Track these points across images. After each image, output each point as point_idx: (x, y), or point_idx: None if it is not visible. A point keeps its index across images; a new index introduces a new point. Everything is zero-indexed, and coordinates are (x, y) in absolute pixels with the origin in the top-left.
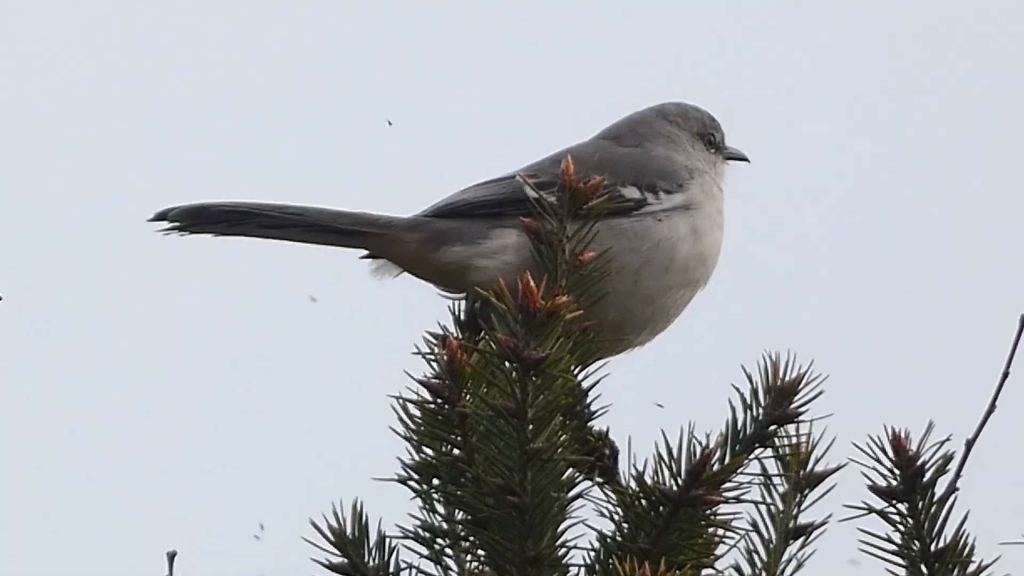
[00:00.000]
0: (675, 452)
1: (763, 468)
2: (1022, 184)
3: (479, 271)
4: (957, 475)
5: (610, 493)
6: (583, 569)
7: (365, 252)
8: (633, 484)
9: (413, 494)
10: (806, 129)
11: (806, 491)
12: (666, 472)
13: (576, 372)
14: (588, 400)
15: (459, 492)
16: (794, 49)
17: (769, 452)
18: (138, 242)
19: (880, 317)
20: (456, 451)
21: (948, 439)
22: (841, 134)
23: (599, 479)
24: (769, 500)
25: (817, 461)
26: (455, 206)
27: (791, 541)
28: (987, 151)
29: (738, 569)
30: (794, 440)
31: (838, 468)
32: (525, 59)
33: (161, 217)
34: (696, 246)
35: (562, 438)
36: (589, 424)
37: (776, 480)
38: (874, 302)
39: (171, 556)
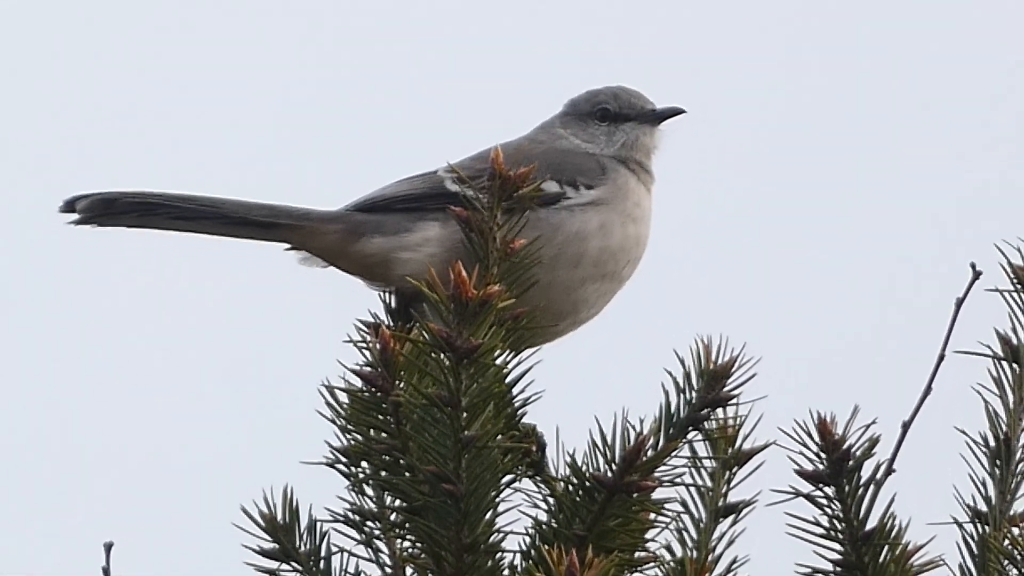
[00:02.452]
0: (609, 438)
1: (692, 449)
2: (953, 162)
3: (403, 263)
4: (893, 457)
5: (541, 484)
6: (518, 555)
7: (287, 245)
8: (567, 471)
9: (343, 478)
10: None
11: (735, 469)
12: (600, 459)
13: (508, 360)
14: (515, 392)
15: (393, 480)
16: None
17: (698, 434)
18: (49, 232)
19: (816, 299)
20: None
21: (873, 422)
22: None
23: (528, 472)
24: (700, 481)
25: (745, 439)
26: (375, 200)
27: (721, 519)
28: (908, 130)
29: (669, 549)
30: (723, 421)
31: (766, 446)
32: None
33: (69, 207)
34: (605, 240)
35: (497, 426)
36: (517, 417)
37: (706, 460)
38: (810, 283)
39: (107, 547)
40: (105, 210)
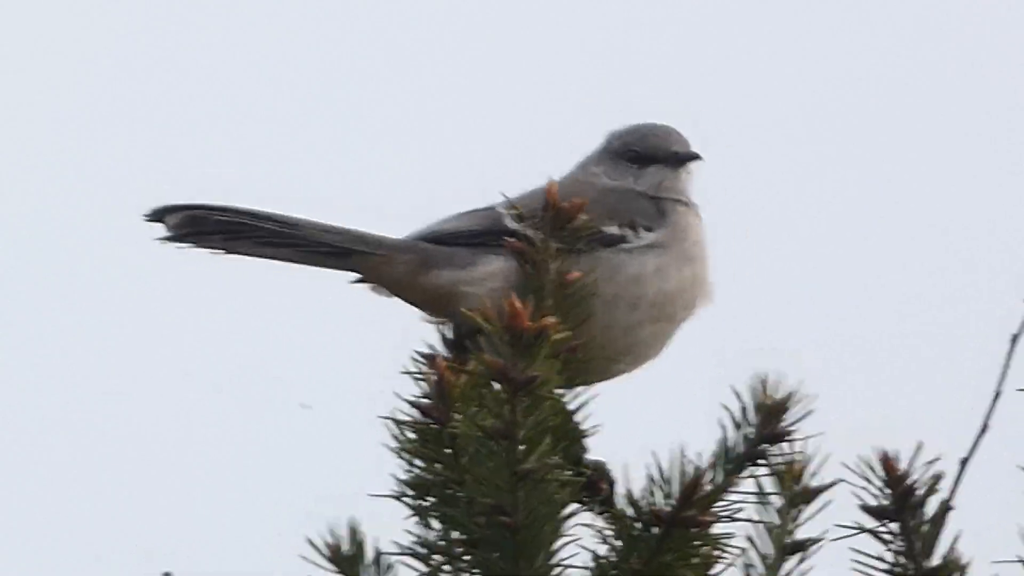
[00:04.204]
0: (666, 473)
1: (758, 485)
2: (1012, 203)
3: (467, 298)
4: (951, 493)
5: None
6: None
7: (355, 276)
8: (625, 506)
9: (408, 510)
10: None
11: (801, 506)
12: (659, 493)
13: (564, 393)
14: (579, 423)
15: (450, 512)
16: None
17: (764, 470)
18: (129, 241)
19: (872, 337)
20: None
21: (937, 459)
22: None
23: (599, 508)
24: (764, 517)
25: (812, 476)
26: (439, 233)
27: (788, 556)
28: (979, 169)
29: None
30: (788, 456)
31: (832, 484)
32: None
33: (158, 217)
34: (662, 284)
35: (554, 459)
36: (583, 454)
37: (771, 496)
38: (866, 320)
39: None
40: (195, 228)
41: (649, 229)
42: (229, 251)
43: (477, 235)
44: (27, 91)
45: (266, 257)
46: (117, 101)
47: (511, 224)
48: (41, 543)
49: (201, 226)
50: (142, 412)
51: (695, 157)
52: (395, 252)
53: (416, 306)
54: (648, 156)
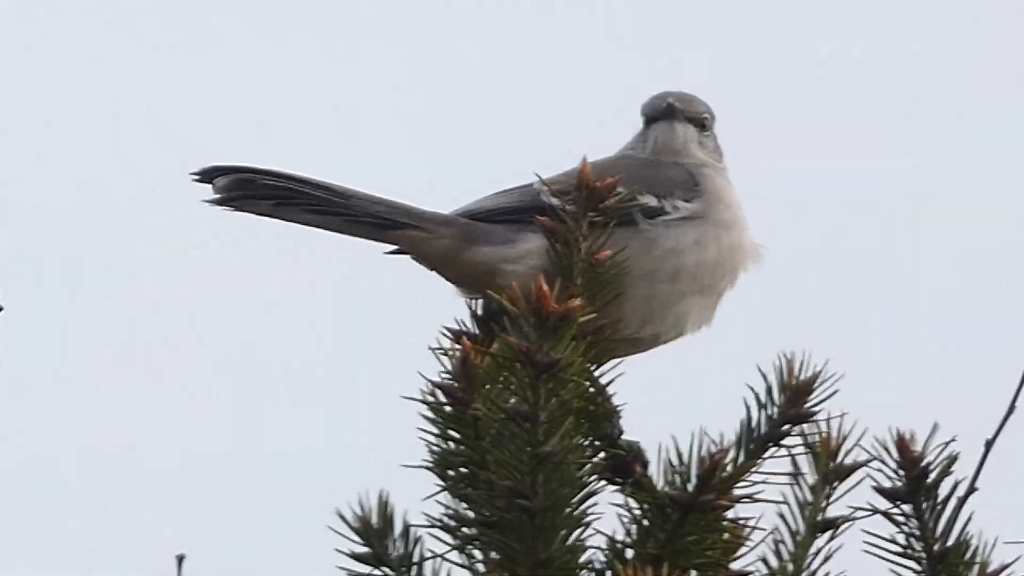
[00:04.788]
0: (686, 456)
1: (793, 461)
2: None
3: (507, 275)
4: (976, 475)
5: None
6: (594, 573)
7: (392, 248)
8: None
9: (437, 484)
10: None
11: (835, 483)
12: (677, 476)
13: (592, 372)
14: (611, 401)
15: (471, 493)
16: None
17: (785, 450)
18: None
19: (899, 316)
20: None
21: (953, 440)
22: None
23: (631, 490)
24: (797, 494)
25: (847, 454)
26: (478, 211)
27: (819, 534)
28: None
29: (765, 562)
30: (823, 432)
31: (868, 461)
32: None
33: (207, 177)
34: (701, 255)
35: (575, 441)
36: (618, 433)
37: (804, 473)
38: (893, 300)
39: (179, 559)
40: (244, 191)
41: (687, 200)
42: (275, 216)
43: (516, 212)
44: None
45: (311, 225)
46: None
47: (548, 200)
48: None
49: (250, 189)
50: (165, 383)
51: (670, 109)
52: (439, 227)
53: (455, 283)
54: (652, 116)
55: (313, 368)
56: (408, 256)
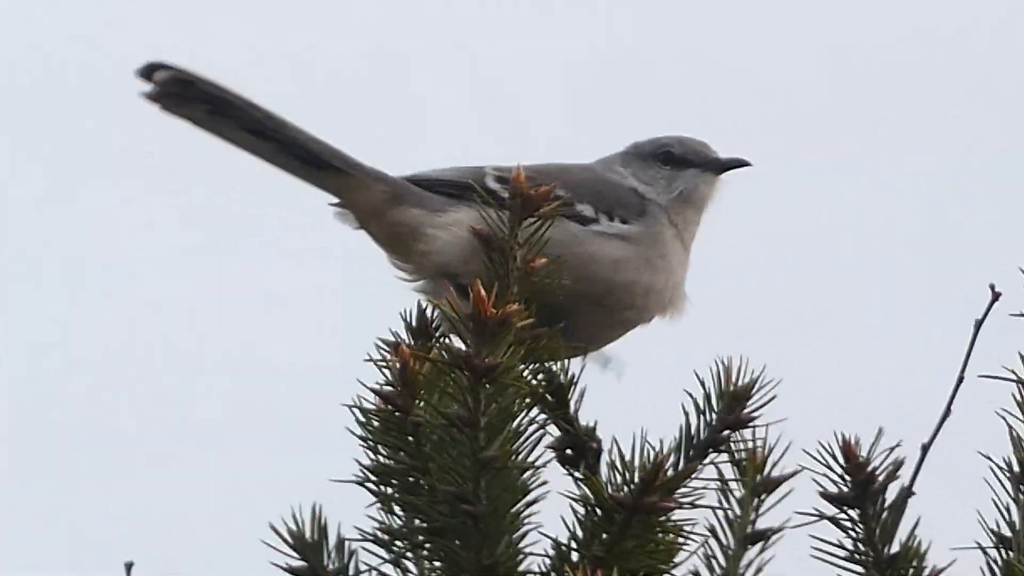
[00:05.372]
0: (628, 459)
1: (720, 473)
2: (974, 187)
3: (429, 239)
4: (913, 480)
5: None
6: None
7: (335, 201)
8: (587, 490)
9: (371, 497)
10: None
11: (763, 496)
12: (619, 479)
13: (530, 377)
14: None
15: (414, 500)
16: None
17: (725, 457)
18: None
19: (834, 322)
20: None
21: (898, 445)
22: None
23: (583, 474)
24: (726, 505)
25: (773, 466)
26: (422, 178)
27: (749, 546)
28: (943, 153)
29: (696, 575)
30: (750, 445)
31: (794, 473)
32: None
33: (148, 72)
34: (616, 275)
35: (515, 445)
36: (576, 418)
37: (732, 485)
38: (828, 306)
39: (128, 566)
40: (181, 91)
41: (624, 221)
42: (209, 128)
43: (456, 187)
44: None
45: (244, 146)
46: None
47: (492, 184)
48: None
49: (188, 90)
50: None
51: (742, 164)
52: (371, 179)
53: (380, 242)
54: (685, 160)
55: (250, 377)
56: (337, 212)
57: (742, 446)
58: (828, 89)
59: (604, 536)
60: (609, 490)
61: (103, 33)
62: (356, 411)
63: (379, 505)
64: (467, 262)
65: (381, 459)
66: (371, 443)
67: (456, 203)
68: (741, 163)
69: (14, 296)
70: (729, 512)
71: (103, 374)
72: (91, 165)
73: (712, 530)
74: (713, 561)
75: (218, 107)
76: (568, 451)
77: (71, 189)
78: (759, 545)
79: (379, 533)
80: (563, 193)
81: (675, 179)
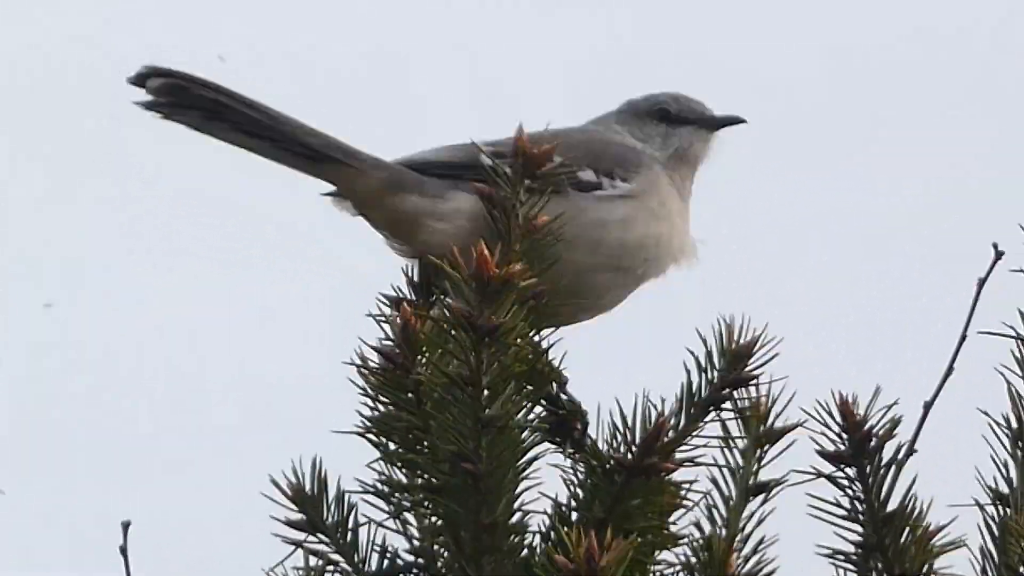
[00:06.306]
0: (629, 420)
1: (724, 426)
2: (975, 141)
3: (431, 231)
4: (914, 438)
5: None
6: (538, 536)
7: (327, 189)
8: (592, 452)
9: (372, 453)
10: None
11: (766, 447)
12: (620, 440)
13: (532, 337)
14: (552, 365)
15: (414, 458)
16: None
17: (728, 411)
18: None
19: (836, 281)
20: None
21: (895, 403)
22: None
23: (570, 449)
24: (728, 460)
25: (776, 417)
26: (416, 161)
27: (752, 498)
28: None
29: (699, 526)
30: (754, 399)
31: (798, 424)
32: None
33: (141, 80)
34: (625, 233)
35: (518, 405)
36: (562, 393)
37: (736, 438)
38: (831, 263)
39: (125, 525)
40: (176, 98)
41: (624, 180)
42: (205, 131)
43: (452, 167)
44: None
45: (240, 146)
46: None
47: (486, 161)
48: None
49: (182, 97)
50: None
51: (738, 120)
52: (369, 167)
53: (380, 229)
54: (680, 117)
55: (251, 337)
56: (334, 202)
57: (746, 399)
58: (828, 89)
59: (604, 497)
60: (609, 451)
61: (103, 33)
62: (358, 362)
63: (380, 458)
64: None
65: (382, 409)
66: (372, 394)
67: (454, 187)
68: (736, 120)
69: (14, 296)
70: (732, 464)
71: (102, 373)
72: (91, 166)
73: (715, 481)
74: (715, 512)
75: (214, 110)
76: (554, 433)
77: (70, 189)
78: (761, 497)
79: (379, 485)
80: (563, 160)
81: (671, 136)
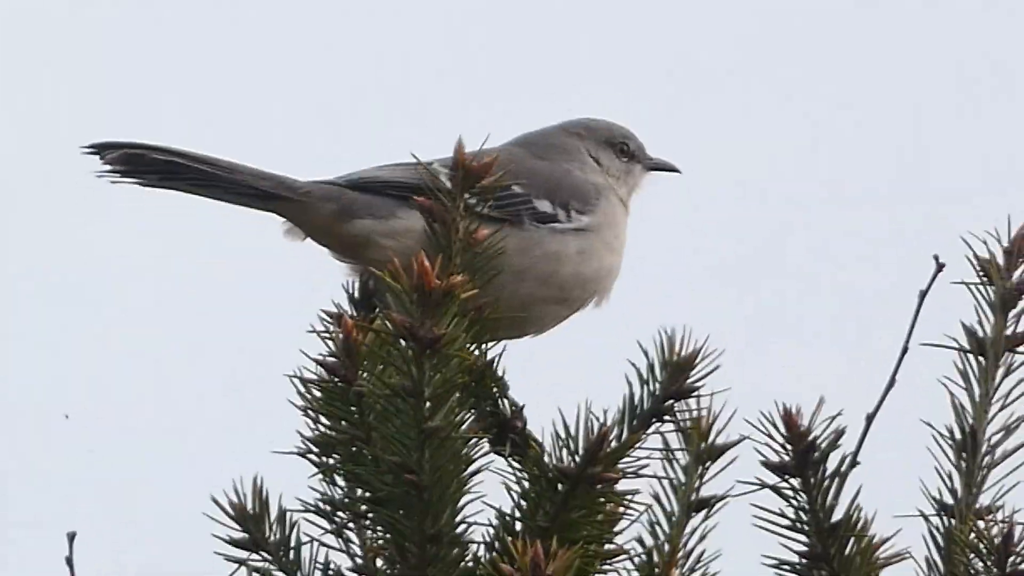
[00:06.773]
0: (572, 429)
1: (665, 442)
2: (917, 158)
3: (380, 249)
4: (857, 449)
5: (515, 465)
6: (483, 546)
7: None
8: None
9: (314, 468)
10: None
11: (707, 463)
12: (563, 450)
13: (472, 350)
14: (494, 373)
15: (357, 470)
16: None
17: (670, 426)
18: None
19: (779, 292)
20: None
21: (839, 414)
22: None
23: (511, 453)
24: (670, 474)
25: (718, 434)
26: (368, 180)
27: (694, 513)
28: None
29: (641, 541)
30: (695, 413)
31: (739, 441)
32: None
33: (98, 151)
34: (580, 267)
35: (459, 416)
36: (503, 398)
37: (677, 453)
38: (772, 276)
39: (71, 536)
40: (132, 165)
41: (581, 212)
42: (161, 187)
43: (405, 188)
44: None
45: (196, 194)
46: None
47: (425, 175)
48: None
49: (138, 164)
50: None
51: (671, 169)
52: (320, 201)
53: (330, 249)
54: (634, 155)
55: (189, 352)
56: (283, 228)
57: (687, 414)
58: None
59: (548, 507)
60: (552, 461)
61: (103, 32)
62: (297, 381)
63: (321, 476)
64: None
65: (323, 429)
66: (313, 414)
67: (405, 206)
68: (671, 168)
69: (13, 296)
70: (673, 480)
71: (101, 372)
72: (90, 165)
73: (656, 497)
74: (657, 528)
75: (168, 172)
76: (493, 431)
77: (72, 188)
78: (703, 512)
79: (320, 504)
80: (520, 189)
81: (630, 173)
